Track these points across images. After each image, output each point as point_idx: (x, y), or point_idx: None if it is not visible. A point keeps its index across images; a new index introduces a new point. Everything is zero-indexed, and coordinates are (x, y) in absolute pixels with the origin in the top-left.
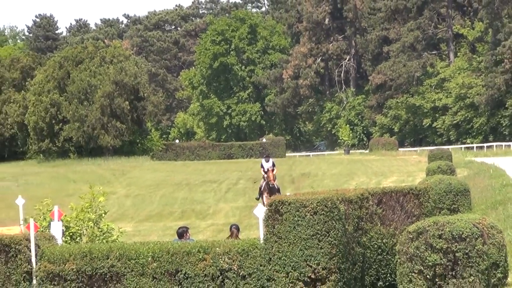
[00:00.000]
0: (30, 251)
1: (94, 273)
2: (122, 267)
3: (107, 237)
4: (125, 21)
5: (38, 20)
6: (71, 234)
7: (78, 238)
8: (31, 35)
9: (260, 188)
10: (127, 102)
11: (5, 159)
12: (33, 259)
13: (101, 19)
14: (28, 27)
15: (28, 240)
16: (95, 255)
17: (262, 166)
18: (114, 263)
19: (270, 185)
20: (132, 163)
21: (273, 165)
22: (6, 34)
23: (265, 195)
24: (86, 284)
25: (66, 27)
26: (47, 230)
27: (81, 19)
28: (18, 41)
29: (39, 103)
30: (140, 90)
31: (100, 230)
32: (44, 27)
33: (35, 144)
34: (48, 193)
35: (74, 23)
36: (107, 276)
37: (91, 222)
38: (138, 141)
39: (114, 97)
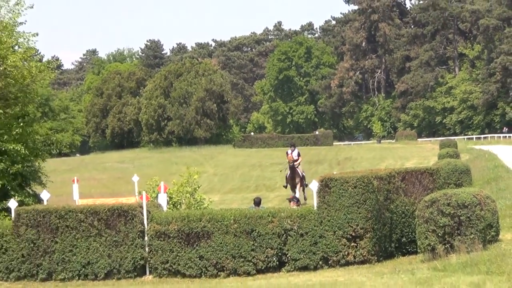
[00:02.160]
0: (143, 215)
1: (190, 232)
2: (211, 227)
3: (200, 205)
4: (213, 44)
5: (148, 43)
6: (173, 203)
7: (179, 206)
8: (143, 54)
9: (286, 177)
10: (214, 105)
11: (124, 147)
12: (145, 221)
13: (195, 43)
14: (141, 48)
15: (141, 207)
16: (191, 218)
17: (287, 154)
18: (205, 224)
19: (290, 165)
20: (218, 150)
21: (298, 154)
22: (125, 54)
23: (289, 183)
24: (184, 240)
25: (169, 49)
26: (156, 200)
27: (181, 42)
28: (134, 59)
29: (150, 105)
30: (224, 95)
31: (195, 200)
32: (153, 49)
33: (147, 136)
34: (156, 172)
35: (175, 45)
36: (200, 234)
37: (188, 194)
38: (223, 133)
39: (205, 101)
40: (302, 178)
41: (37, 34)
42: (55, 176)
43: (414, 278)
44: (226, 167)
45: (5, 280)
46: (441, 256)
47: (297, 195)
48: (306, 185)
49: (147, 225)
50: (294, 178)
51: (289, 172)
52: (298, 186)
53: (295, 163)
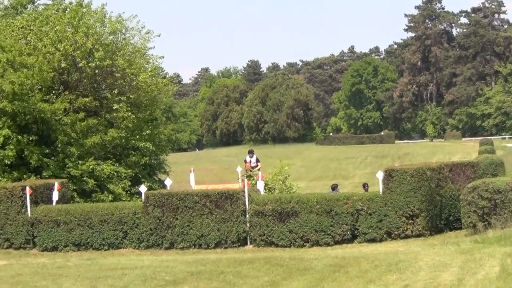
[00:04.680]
0: (245, 198)
1: (282, 211)
2: (299, 207)
3: (289, 190)
4: (300, 63)
5: (249, 62)
6: (269, 188)
7: (273, 190)
8: (245, 71)
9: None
10: (301, 111)
11: (230, 144)
12: (247, 203)
13: (286, 62)
14: (243, 67)
15: (244, 191)
16: (282, 201)
17: (245, 161)
18: (294, 205)
19: (247, 174)
20: (304, 147)
21: (257, 160)
22: (231, 71)
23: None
24: (277, 217)
25: (266, 67)
26: (255, 186)
27: (275, 62)
28: (238, 75)
29: (250, 112)
30: (309, 104)
31: (285, 186)
32: (253, 67)
33: (248, 135)
34: None
35: (270, 64)
36: (290, 213)
37: (280, 181)
38: (308, 134)
39: (294, 108)
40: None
41: (163, 57)
42: (176, 167)
43: (459, 248)
44: (310, 160)
45: (136, 248)
46: (480, 231)
47: None
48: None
49: (248, 205)
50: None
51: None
52: None
53: (254, 170)
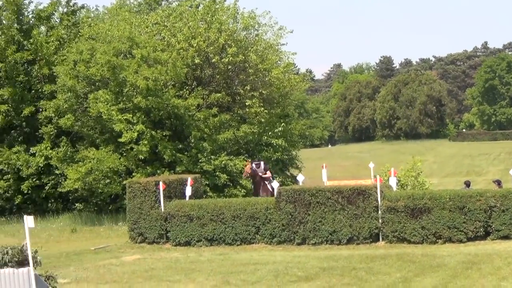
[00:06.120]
0: (377, 194)
1: (414, 207)
2: (431, 203)
3: (422, 186)
4: (433, 59)
5: (382, 58)
6: (401, 184)
7: (405, 187)
8: (378, 67)
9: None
10: (434, 107)
11: (362, 140)
12: (379, 199)
13: (419, 58)
14: (376, 63)
15: (376, 187)
16: (415, 197)
17: (251, 169)
18: (426, 201)
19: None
20: (437, 143)
21: (265, 169)
22: (363, 67)
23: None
24: (410, 213)
25: (398, 63)
26: (387, 182)
27: (407, 58)
28: (370, 71)
29: (383, 108)
30: (442, 100)
31: (418, 182)
32: (386, 63)
33: (380, 131)
34: (387, 160)
35: (403, 60)
36: (422, 209)
37: (412, 177)
38: (440, 130)
39: (426, 104)
40: (272, 193)
41: (295, 53)
42: (308, 163)
43: None
44: (443, 156)
45: (268, 243)
46: None
47: None
48: None
49: (380, 201)
50: (258, 193)
51: (253, 186)
52: None
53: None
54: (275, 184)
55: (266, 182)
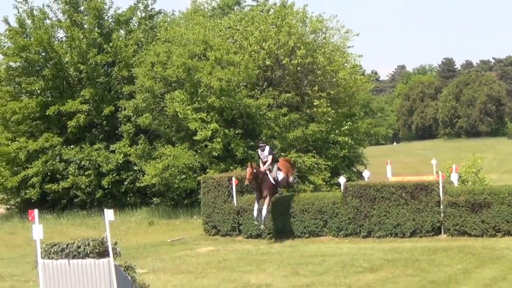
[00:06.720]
0: (439, 189)
1: (475, 202)
2: (491, 199)
3: (482, 182)
4: (493, 60)
5: (444, 60)
6: (462, 180)
7: (466, 182)
8: (440, 69)
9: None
10: (494, 107)
11: (425, 138)
12: (441, 194)
13: (480, 60)
14: (438, 64)
15: (438, 183)
16: (475, 192)
17: (259, 157)
18: (486, 196)
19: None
20: (496, 141)
21: (270, 153)
22: (426, 68)
23: (256, 195)
24: (470, 208)
25: (459, 64)
26: (449, 178)
27: (468, 59)
28: (433, 72)
29: (444, 107)
30: (501, 100)
31: (478, 178)
32: (447, 64)
33: (442, 130)
34: (449, 157)
35: (464, 62)
36: (482, 204)
37: (473, 174)
38: (500, 128)
39: (486, 104)
40: (275, 186)
41: (361, 55)
42: (373, 159)
43: None
44: (502, 153)
45: (335, 236)
46: None
47: (264, 212)
48: (295, 183)
49: (442, 196)
50: (261, 190)
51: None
52: (266, 200)
53: (265, 167)
54: (280, 175)
55: (268, 173)
